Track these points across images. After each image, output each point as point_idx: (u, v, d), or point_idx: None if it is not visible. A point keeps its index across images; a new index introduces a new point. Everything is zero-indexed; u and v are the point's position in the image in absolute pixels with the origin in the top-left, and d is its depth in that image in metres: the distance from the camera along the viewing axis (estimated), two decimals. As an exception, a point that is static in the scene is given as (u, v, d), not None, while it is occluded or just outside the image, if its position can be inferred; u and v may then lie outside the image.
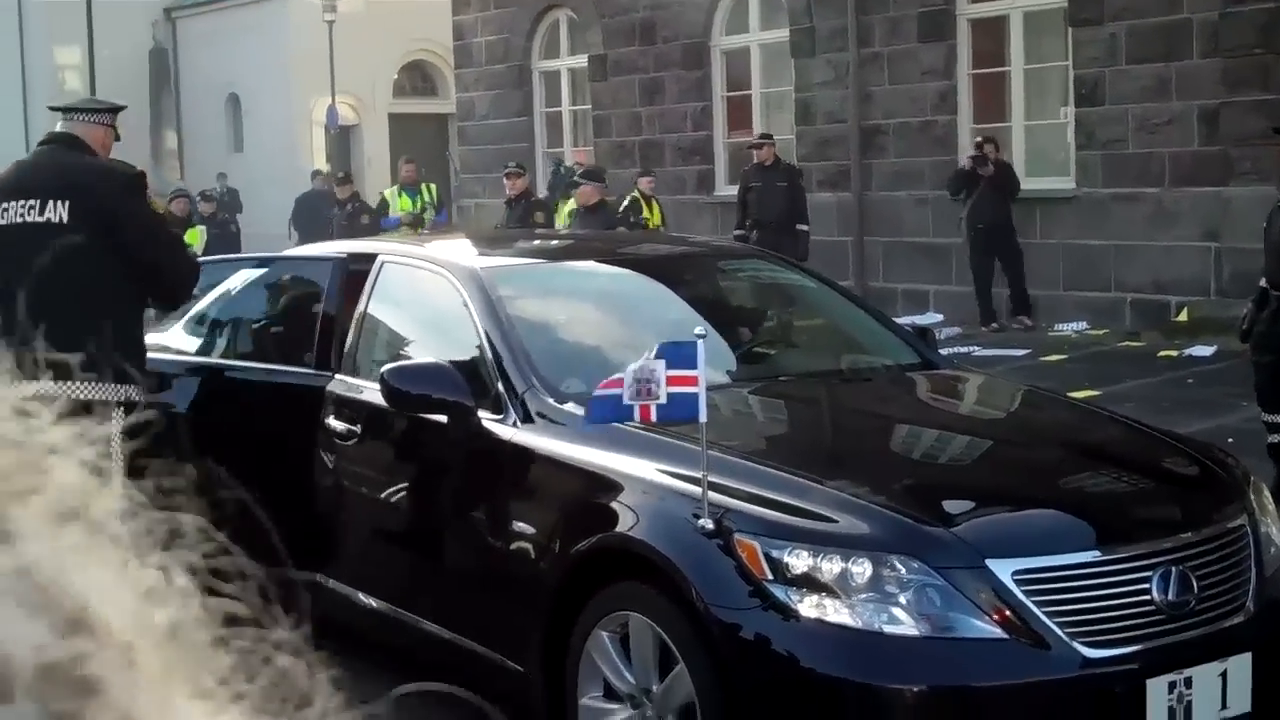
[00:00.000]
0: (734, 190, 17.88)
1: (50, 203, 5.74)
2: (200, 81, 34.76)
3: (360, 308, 6.09)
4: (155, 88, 34.96)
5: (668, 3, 18.16)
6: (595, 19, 19.23)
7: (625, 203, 15.09)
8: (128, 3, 32.68)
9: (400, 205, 16.99)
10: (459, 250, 6.45)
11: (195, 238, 14.81)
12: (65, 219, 5.69)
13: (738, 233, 15.07)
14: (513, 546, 4.79)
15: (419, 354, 5.78)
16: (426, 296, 5.98)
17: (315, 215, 21.45)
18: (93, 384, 5.55)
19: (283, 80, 31.93)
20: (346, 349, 6.00)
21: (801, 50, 16.87)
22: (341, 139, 30.94)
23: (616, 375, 4.33)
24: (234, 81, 33.75)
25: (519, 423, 4.97)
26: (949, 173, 15.46)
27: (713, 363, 5.10)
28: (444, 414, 5.17)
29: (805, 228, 15.02)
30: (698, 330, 4.37)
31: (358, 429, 5.68)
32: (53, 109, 6.42)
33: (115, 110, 6.30)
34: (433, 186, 17.70)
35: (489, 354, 5.26)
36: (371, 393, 5.49)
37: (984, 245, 14.98)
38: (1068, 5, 14.73)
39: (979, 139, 14.94)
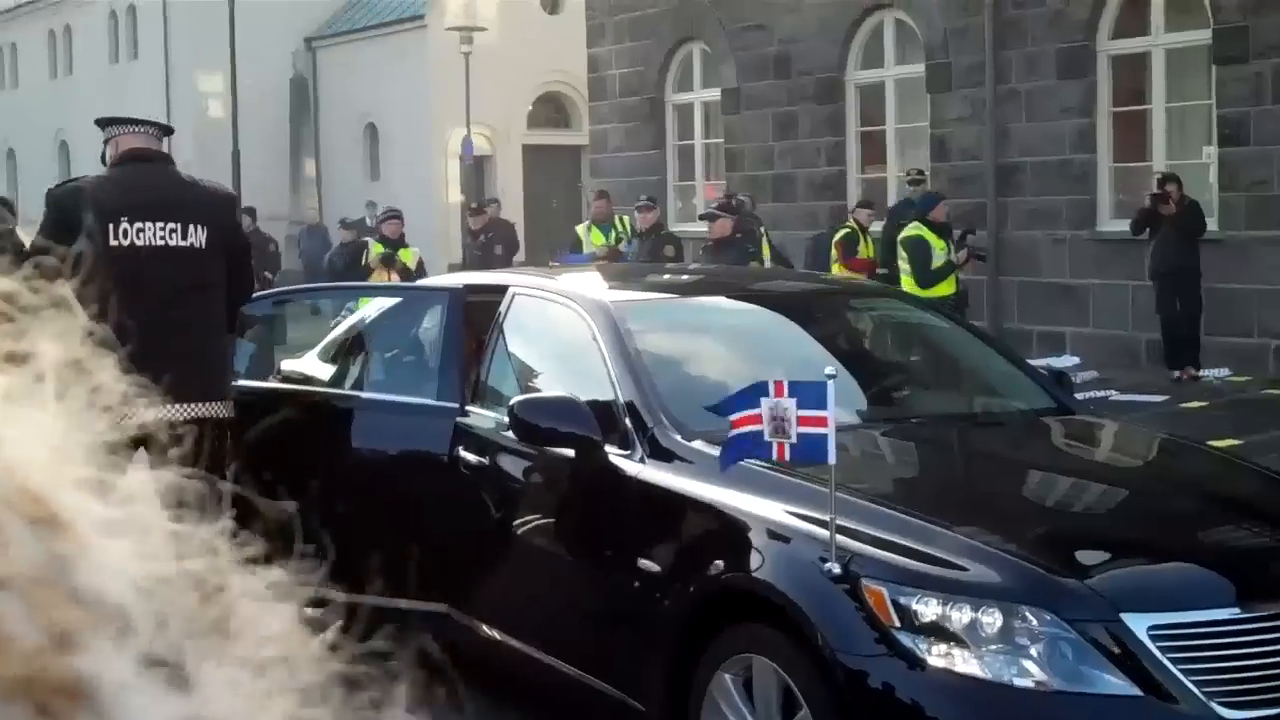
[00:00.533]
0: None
1: (191, 226, 5.68)
2: (339, 110, 35.36)
3: (490, 339, 6.12)
4: (295, 116, 35.62)
5: (802, 37, 18.12)
6: (729, 53, 19.25)
7: (840, 234, 14.96)
8: (270, 32, 33.35)
9: (594, 240, 16.63)
10: (589, 283, 6.45)
11: (409, 256, 14.86)
12: (204, 244, 5.69)
13: (883, 271, 14.74)
14: (637, 583, 4.75)
15: (548, 387, 5.79)
16: (556, 329, 5.99)
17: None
18: (216, 403, 5.67)
19: (419, 110, 32.36)
20: (477, 380, 6.02)
21: (938, 86, 16.74)
22: (476, 169, 31.25)
23: (748, 412, 4.28)
24: (372, 111, 34.28)
25: (646, 459, 4.95)
26: (1086, 212, 15.19)
27: (843, 403, 5.04)
28: (571, 448, 5.16)
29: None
30: (828, 370, 4.31)
31: (485, 460, 5.70)
32: (114, 121, 6.03)
33: (167, 130, 6.19)
34: (625, 219, 17.14)
35: (617, 389, 5.25)
36: (500, 425, 5.51)
37: (1168, 288, 14.16)
38: (1212, 43, 14.46)
39: (1159, 175, 14.39)
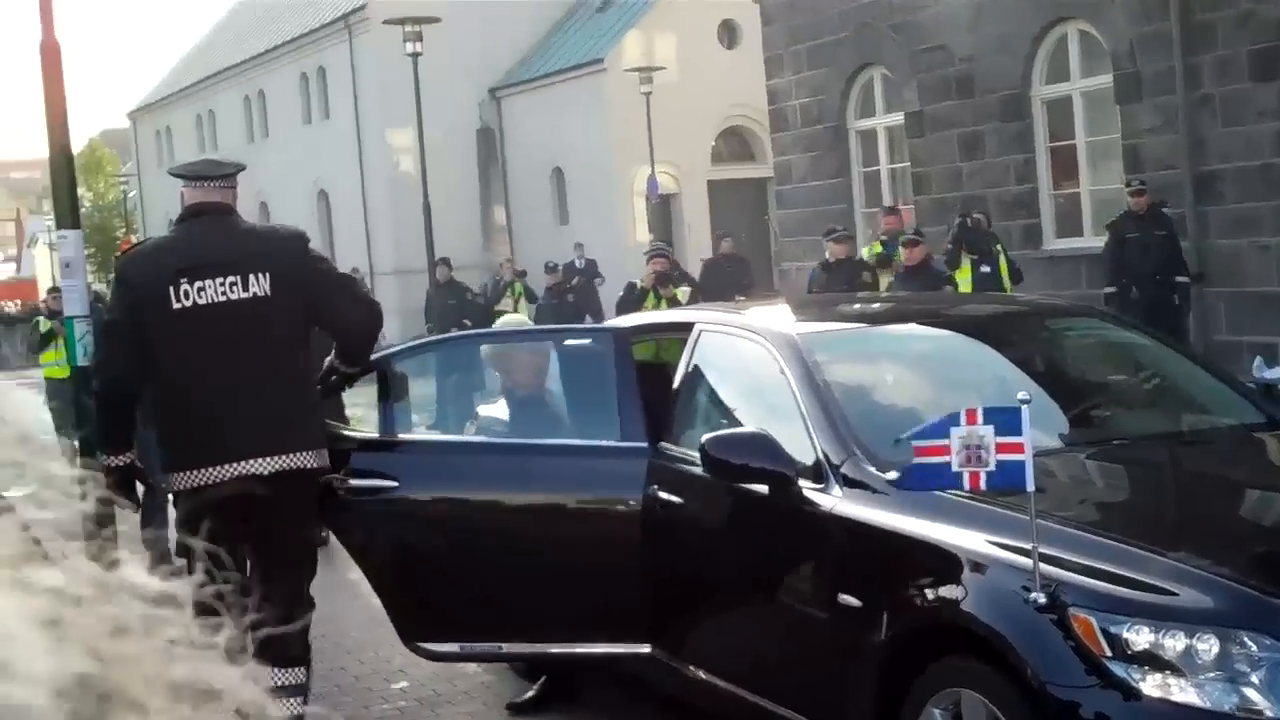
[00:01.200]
0: (1063, 244, 17.40)
1: (252, 276, 5.57)
2: (526, 157, 35.91)
3: (679, 376, 6.11)
4: (483, 165, 36.26)
5: (984, 55, 17.86)
6: (910, 75, 19.07)
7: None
8: (455, 84, 34.04)
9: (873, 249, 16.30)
10: (776, 316, 6.41)
11: (680, 294, 15.14)
12: (268, 291, 5.58)
13: (1110, 290, 14.34)
14: (839, 619, 4.69)
15: (740, 422, 5.75)
16: (745, 364, 5.95)
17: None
18: (305, 454, 5.69)
19: (604, 152, 32.70)
20: (668, 418, 6.01)
21: (1127, 96, 16.34)
22: (662, 208, 31.45)
23: (935, 442, 4.20)
24: (558, 155, 34.74)
25: (841, 492, 4.88)
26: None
27: (1044, 426, 4.93)
28: (765, 484, 5.12)
29: (1185, 279, 14.20)
30: (1022, 395, 4.21)
31: (679, 499, 5.68)
32: (179, 175, 5.94)
33: (239, 170, 6.02)
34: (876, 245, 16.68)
35: (808, 422, 5.20)
36: (692, 462, 5.49)
37: None
38: None
39: None
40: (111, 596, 0.59)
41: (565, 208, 35.02)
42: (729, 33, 33.44)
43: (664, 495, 5.72)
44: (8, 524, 0.58)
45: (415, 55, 24.21)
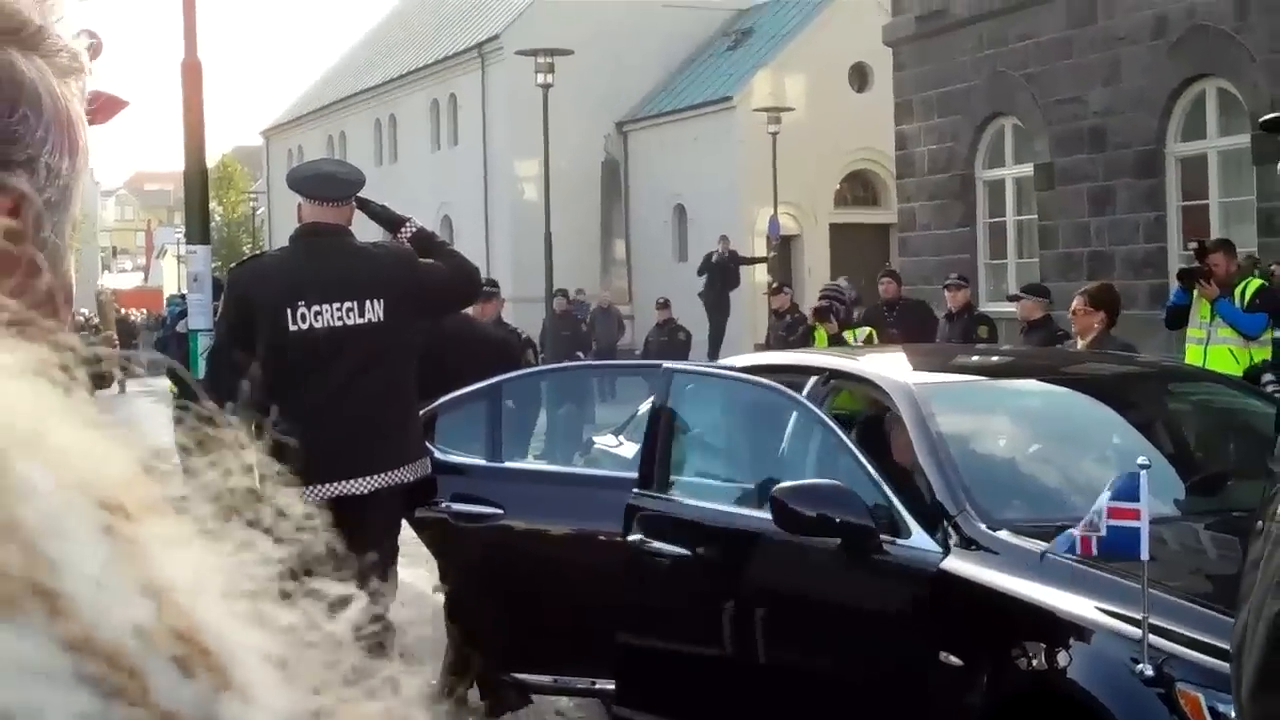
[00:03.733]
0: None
1: (368, 303, 5.68)
2: (649, 191, 36.01)
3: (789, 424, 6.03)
4: (606, 198, 36.42)
5: (1119, 109, 17.62)
6: (1043, 126, 18.86)
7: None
8: (583, 117, 34.24)
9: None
10: (894, 365, 6.33)
11: (853, 336, 15.33)
12: (382, 316, 5.70)
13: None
14: (936, 679, 4.59)
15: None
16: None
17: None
18: (401, 470, 5.76)
19: (727, 190, 32.69)
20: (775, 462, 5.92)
21: (1265, 157, 16.02)
22: (782, 249, 31.35)
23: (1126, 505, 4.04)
24: (681, 192, 34.79)
25: (949, 548, 4.78)
26: None
27: (1160, 493, 4.81)
28: (841, 536, 4.97)
29: None
30: (1141, 460, 4.11)
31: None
32: (297, 188, 6.08)
33: (360, 184, 6.11)
34: None
35: (922, 475, 5.10)
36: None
37: None
38: None
39: None
40: (332, 637, 0.60)
41: (685, 244, 35.06)
42: (860, 76, 33.33)
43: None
44: (250, 556, 0.59)
45: (546, 86, 24.42)
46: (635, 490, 5.80)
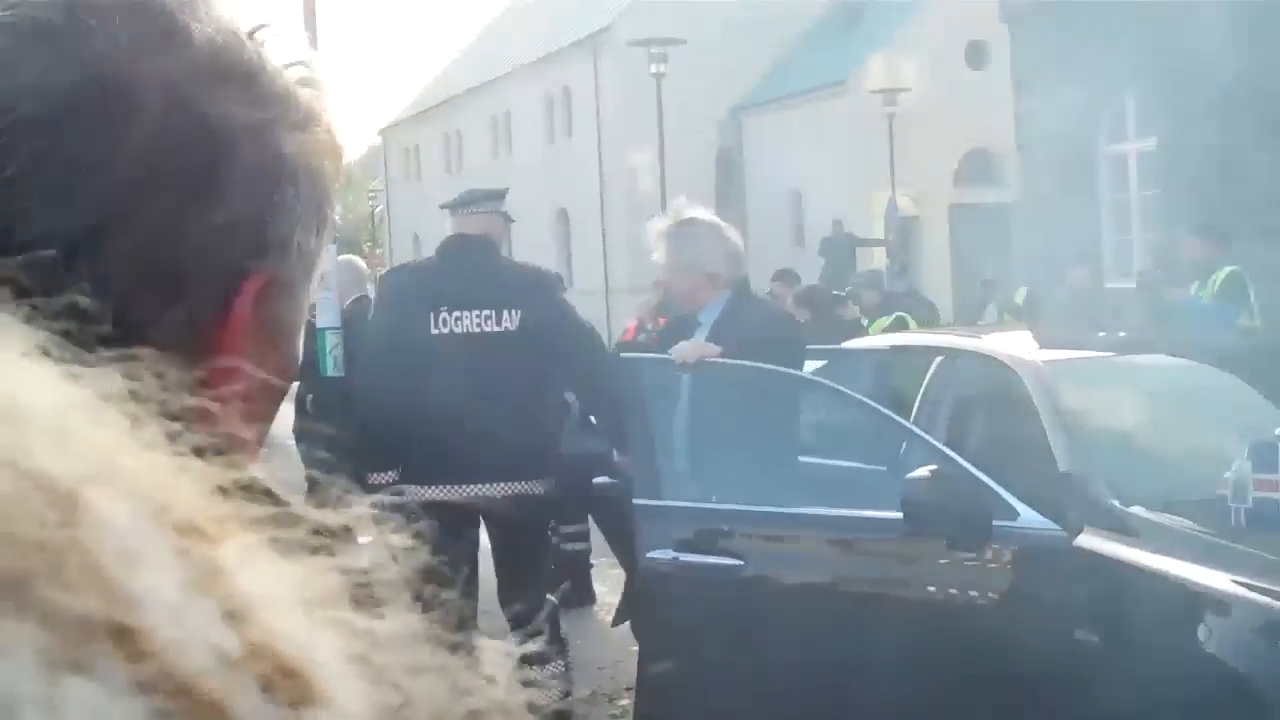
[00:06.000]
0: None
1: (506, 312, 5.92)
2: (765, 178, 35.90)
3: (918, 402, 5.99)
4: (721, 185, 36.37)
5: (1243, 78, 17.21)
6: (1167, 100, 18.51)
7: None
8: (696, 104, 34.22)
9: None
10: (1021, 344, 6.24)
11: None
12: (517, 326, 5.91)
13: None
14: (1074, 658, 4.52)
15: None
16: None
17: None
18: (532, 481, 5.87)
19: (844, 174, 32.49)
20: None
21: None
22: (902, 231, 31.08)
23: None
24: (797, 177, 34.63)
25: (1084, 526, 4.71)
26: None
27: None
28: (959, 531, 4.87)
29: None
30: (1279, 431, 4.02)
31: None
32: (445, 207, 6.41)
33: (502, 195, 6.36)
34: None
35: (1053, 453, 5.03)
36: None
37: None
38: None
39: None
40: (417, 641, 0.60)
41: (803, 230, 34.89)
42: (977, 53, 32.94)
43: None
44: (333, 564, 0.59)
45: (659, 75, 24.41)
46: None
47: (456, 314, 5.92)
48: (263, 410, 0.85)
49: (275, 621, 0.53)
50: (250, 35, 0.85)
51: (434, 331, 5.91)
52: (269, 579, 0.55)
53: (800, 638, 5.19)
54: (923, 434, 5.49)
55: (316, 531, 0.60)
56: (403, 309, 6.05)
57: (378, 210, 62.22)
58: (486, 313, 5.92)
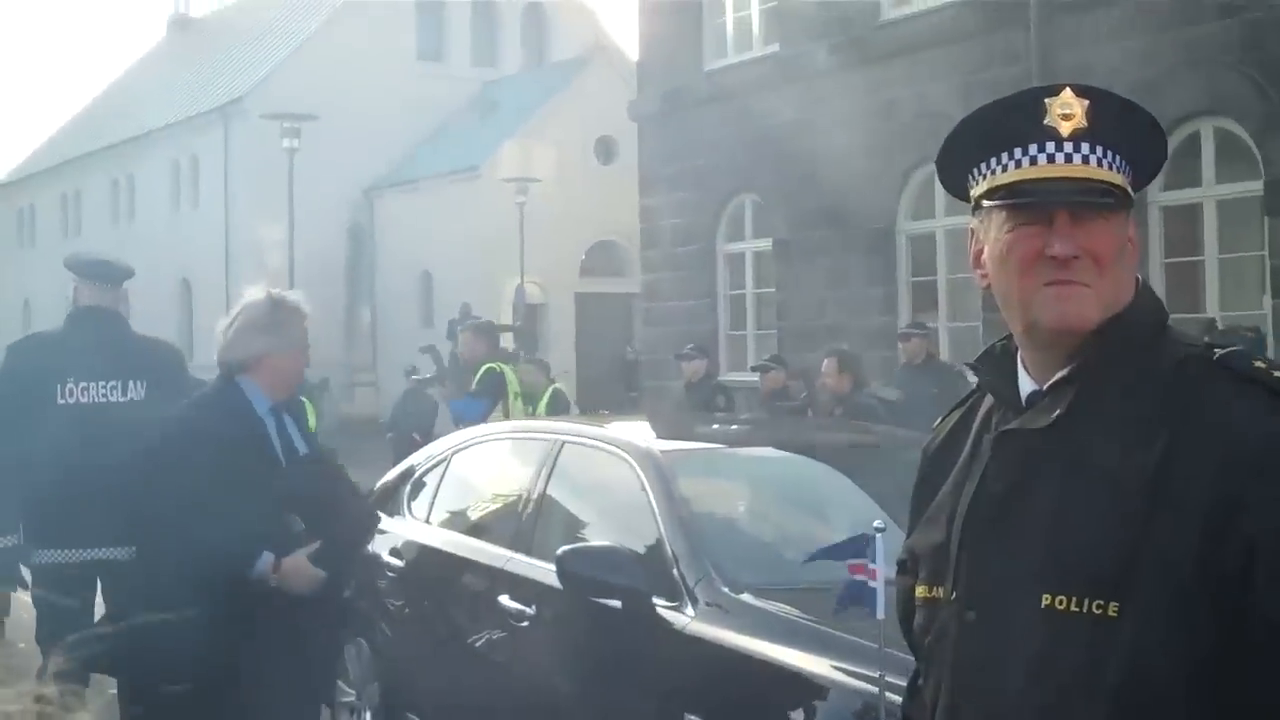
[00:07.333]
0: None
1: (131, 383, 6.13)
2: (395, 259, 35.81)
3: (539, 487, 6.11)
4: (351, 265, 36.10)
5: (853, 189, 18.19)
6: (781, 202, 19.38)
7: None
8: (329, 183, 33.94)
9: None
10: (639, 433, 6.46)
11: None
12: (144, 397, 6.09)
13: None
14: (683, 738, 4.69)
15: (597, 536, 5.76)
16: (605, 478, 5.98)
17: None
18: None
19: (474, 259, 32.73)
20: (522, 528, 6.00)
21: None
22: (529, 316, 31.49)
23: (854, 560, 4.14)
24: (427, 259, 34.69)
25: (694, 611, 4.90)
26: None
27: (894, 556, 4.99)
28: (619, 599, 5.12)
29: None
30: (877, 523, 4.28)
31: (531, 609, 5.65)
32: (74, 269, 6.35)
33: (132, 272, 6.51)
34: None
35: (665, 540, 5.22)
36: (547, 574, 5.47)
37: None
38: None
39: None
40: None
41: (431, 311, 34.94)
42: (605, 148, 33.83)
43: (515, 605, 5.70)
44: None
45: (291, 150, 24.15)
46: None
47: (84, 384, 6.06)
48: None
49: None
50: None
51: (60, 402, 6.03)
52: None
53: None
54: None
55: None
56: (29, 379, 6.10)
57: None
58: (113, 383, 6.08)
